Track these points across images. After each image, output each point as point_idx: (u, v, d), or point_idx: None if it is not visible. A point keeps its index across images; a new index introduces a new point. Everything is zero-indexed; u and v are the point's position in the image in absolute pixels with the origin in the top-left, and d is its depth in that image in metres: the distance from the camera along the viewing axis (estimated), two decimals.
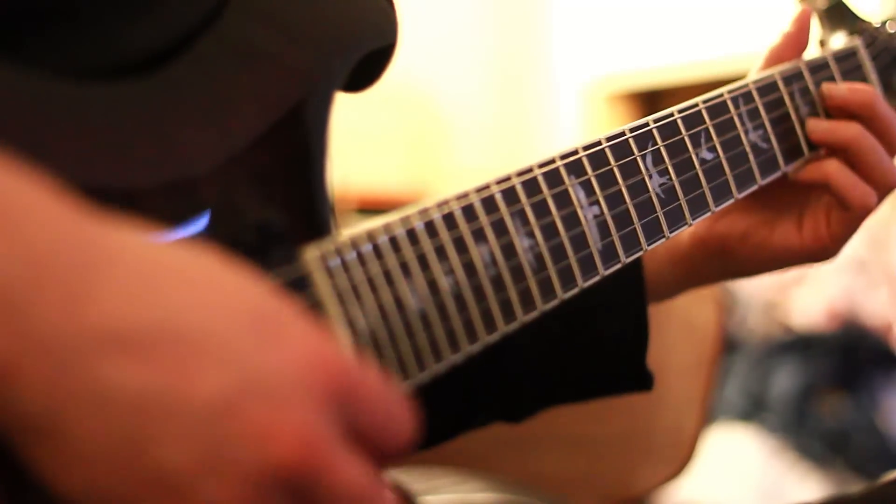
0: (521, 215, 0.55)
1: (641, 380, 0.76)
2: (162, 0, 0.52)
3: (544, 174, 0.56)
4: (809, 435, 2.33)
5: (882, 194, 0.73)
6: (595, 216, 0.58)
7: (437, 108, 4.02)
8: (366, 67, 0.59)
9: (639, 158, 0.62)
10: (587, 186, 0.58)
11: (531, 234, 0.55)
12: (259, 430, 0.37)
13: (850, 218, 0.72)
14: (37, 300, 0.36)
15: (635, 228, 0.61)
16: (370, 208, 3.64)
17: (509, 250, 0.54)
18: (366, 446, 0.41)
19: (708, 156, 0.66)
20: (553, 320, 0.61)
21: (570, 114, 4.00)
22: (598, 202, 0.59)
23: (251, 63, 0.53)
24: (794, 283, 2.65)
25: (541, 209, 0.56)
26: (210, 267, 0.40)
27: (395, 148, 3.94)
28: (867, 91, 0.73)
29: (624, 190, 0.60)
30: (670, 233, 0.62)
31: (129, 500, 0.37)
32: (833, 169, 0.72)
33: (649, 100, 3.85)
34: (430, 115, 4.03)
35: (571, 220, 0.57)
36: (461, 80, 4.06)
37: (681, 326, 1.27)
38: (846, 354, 2.44)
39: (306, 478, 0.38)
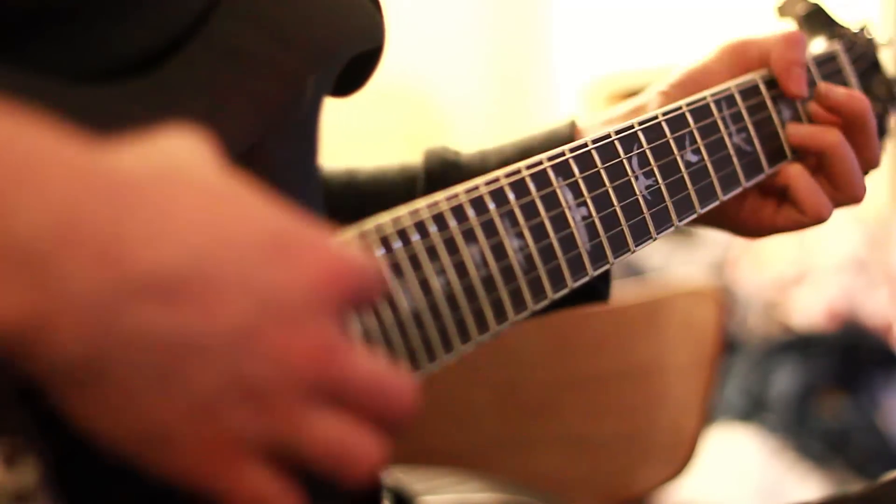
0: (510, 216, 0.55)
1: (596, 291, 0.77)
2: (150, 2, 0.52)
3: (532, 175, 0.57)
4: (809, 435, 2.33)
5: (842, 204, 0.75)
6: (583, 217, 0.59)
7: (437, 108, 4.02)
8: (353, 71, 0.59)
9: (625, 160, 0.62)
10: (575, 188, 0.59)
11: (521, 235, 0.56)
12: (278, 350, 0.40)
13: (799, 221, 0.74)
14: (67, 255, 0.37)
15: (623, 230, 0.61)
16: None
17: (499, 251, 0.54)
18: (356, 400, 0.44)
19: (693, 158, 0.67)
20: None
21: (570, 114, 4.00)
22: (585, 203, 0.59)
23: (242, 66, 0.53)
24: (794, 283, 2.66)
25: (529, 210, 0.56)
26: (226, 191, 0.42)
27: (395, 148, 3.94)
28: (864, 101, 0.74)
29: (611, 191, 0.61)
30: (657, 234, 0.63)
31: (170, 431, 0.40)
32: (795, 173, 0.73)
33: None
34: (429, 114, 4.03)
35: (560, 222, 0.58)
36: (461, 79, 4.06)
37: (681, 326, 1.27)
38: (846, 354, 2.44)
39: (329, 382, 0.41)
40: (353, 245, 0.48)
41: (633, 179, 0.62)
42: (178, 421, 0.40)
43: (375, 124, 3.63)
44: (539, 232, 0.56)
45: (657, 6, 3.71)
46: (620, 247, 0.61)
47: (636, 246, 0.62)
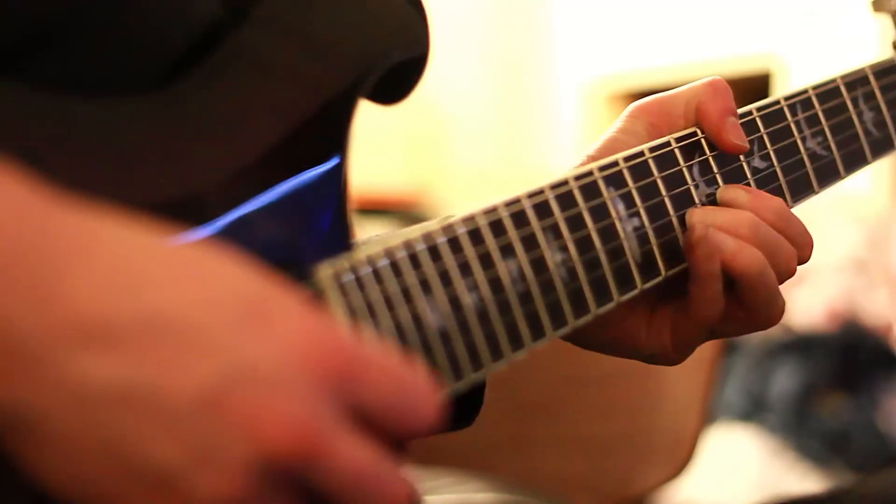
0: (553, 229, 0.53)
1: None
2: (160, 13, 0.52)
3: (581, 187, 0.55)
4: (809, 435, 2.33)
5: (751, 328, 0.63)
6: (635, 228, 0.57)
7: (438, 108, 4.02)
8: (396, 78, 0.58)
9: (685, 169, 0.60)
10: (627, 199, 0.57)
11: (564, 249, 0.53)
12: (248, 419, 0.36)
13: (693, 327, 0.62)
14: (8, 300, 0.35)
15: (676, 237, 0.59)
16: (370, 208, 3.64)
17: (539, 265, 0.52)
18: (380, 426, 0.40)
19: (761, 164, 0.64)
20: None
21: (571, 114, 4.00)
22: (638, 214, 0.57)
23: (267, 77, 0.52)
24: (794, 283, 2.66)
25: (576, 223, 0.54)
26: (192, 255, 0.39)
27: (395, 148, 3.94)
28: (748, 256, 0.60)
29: (667, 201, 0.59)
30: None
31: (119, 497, 0.36)
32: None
33: None
34: (430, 114, 4.03)
35: (608, 233, 0.56)
36: (462, 80, 4.06)
37: None
38: (846, 354, 2.44)
39: (302, 463, 0.37)
40: (339, 323, 0.44)
41: (692, 188, 0.60)
42: (132, 487, 0.36)
43: (376, 124, 3.63)
44: (585, 244, 0.54)
45: (657, 6, 3.71)
46: (675, 258, 0.58)
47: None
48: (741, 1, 3.42)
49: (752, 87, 2.62)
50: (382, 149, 3.77)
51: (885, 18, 0.77)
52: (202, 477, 0.36)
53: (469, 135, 4.15)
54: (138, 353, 0.36)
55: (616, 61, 3.83)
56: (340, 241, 0.54)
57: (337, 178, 0.55)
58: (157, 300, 0.37)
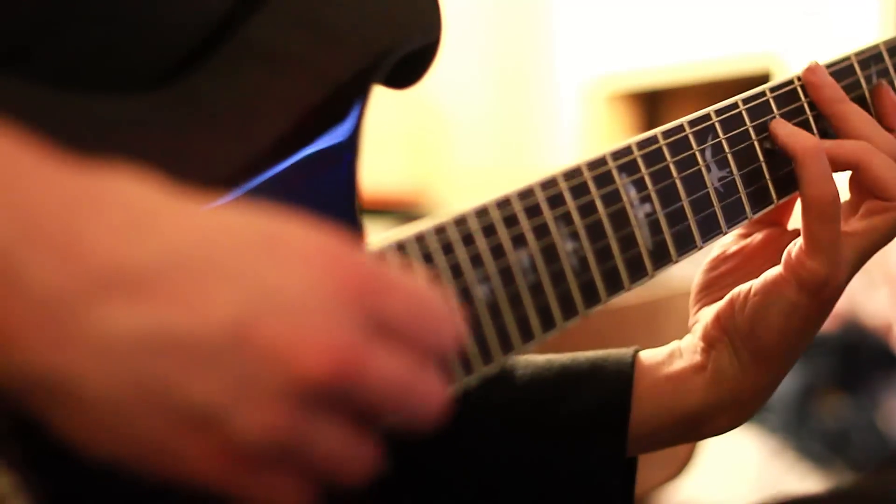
0: (565, 217, 0.53)
1: None
2: (181, 6, 0.51)
3: (594, 177, 0.54)
4: (809, 435, 2.33)
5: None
6: (646, 214, 0.56)
7: (438, 108, 4.02)
8: (408, 65, 0.58)
9: (697, 153, 0.59)
10: (639, 184, 0.56)
11: (575, 236, 0.53)
12: (282, 347, 0.36)
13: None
14: (29, 258, 0.35)
15: (689, 225, 0.58)
16: (370, 208, 3.64)
17: (551, 254, 0.52)
18: (407, 341, 0.40)
19: (773, 145, 0.63)
20: (528, 442, 0.63)
21: (570, 113, 4.00)
22: (650, 199, 0.57)
23: (277, 68, 0.52)
24: None
25: (587, 209, 0.54)
26: (197, 200, 0.39)
27: (395, 147, 3.94)
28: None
29: (679, 184, 0.58)
30: (728, 229, 0.60)
31: (162, 447, 0.36)
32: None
33: (649, 100, 3.85)
34: (430, 114, 4.03)
35: (620, 220, 0.55)
36: (462, 79, 4.06)
37: (681, 326, 1.27)
38: (846, 354, 2.44)
39: (341, 384, 0.37)
40: (359, 247, 0.44)
41: (704, 171, 0.59)
42: (175, 433, 0.36)
43: (376, 124, 3.62)
44: (596, 232, 0.54)
45: (657, 6, 3.71)
46: (686, 244, 0.58)
47: (703, 242, 0.59)
48: (740, 1, 3.42)
49: (751, 87, 2.62)
50: (382, 149, 3.77)
51: None
52: (244, 412, 0.36)
53: (469, 135, 4.15)
54: (161, 296, 0.36)
55: (616, 61, 3.83)
56: (351, 230, 0.54)
57: (350, 167, 0.55)
58: (169, 242, 0.37)
